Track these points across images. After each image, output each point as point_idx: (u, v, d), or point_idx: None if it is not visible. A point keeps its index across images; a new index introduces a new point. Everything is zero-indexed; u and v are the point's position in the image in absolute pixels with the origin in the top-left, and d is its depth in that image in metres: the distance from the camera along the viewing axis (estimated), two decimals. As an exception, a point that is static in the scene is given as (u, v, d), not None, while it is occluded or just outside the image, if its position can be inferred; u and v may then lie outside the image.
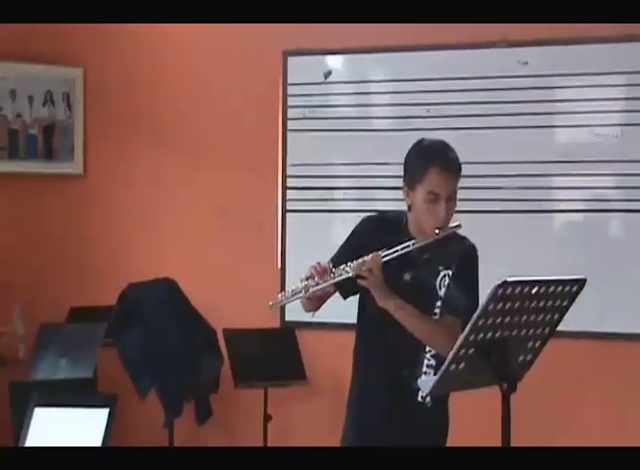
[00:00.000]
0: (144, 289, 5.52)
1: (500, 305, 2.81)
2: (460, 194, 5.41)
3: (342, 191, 5.60)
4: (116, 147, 6.15)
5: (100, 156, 6.17)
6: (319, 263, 3.34)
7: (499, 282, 2.77)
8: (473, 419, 5.22)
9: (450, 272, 3.41)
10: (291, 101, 5.77)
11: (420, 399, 3.43)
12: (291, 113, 5.77)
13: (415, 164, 3.40)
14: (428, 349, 3.43)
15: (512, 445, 2.89)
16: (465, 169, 5.40)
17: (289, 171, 5.77)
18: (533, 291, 2.87)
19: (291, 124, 5.77)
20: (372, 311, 3.43)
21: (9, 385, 5.28)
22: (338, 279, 3.28)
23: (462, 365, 2.88)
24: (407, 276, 3.40)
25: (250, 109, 5.87)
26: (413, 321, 3.33)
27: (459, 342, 2.83)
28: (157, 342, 5.42)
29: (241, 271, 5.80)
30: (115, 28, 5.90)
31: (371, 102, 5.71)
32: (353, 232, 3.57)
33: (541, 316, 2.97)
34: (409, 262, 3.37)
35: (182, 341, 5.47)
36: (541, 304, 2.93)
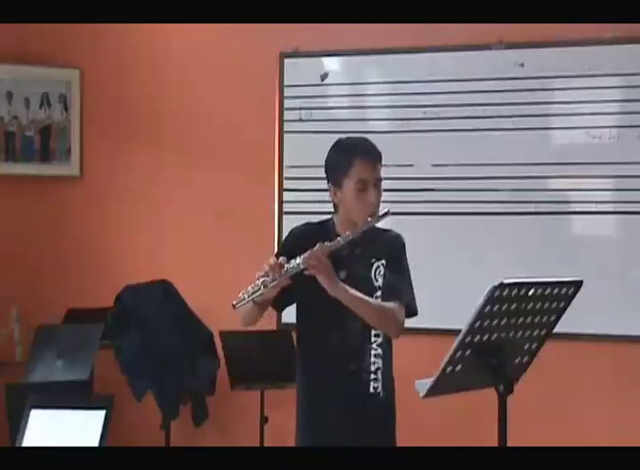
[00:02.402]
0: (140, 291, 5.52)
1: (497, 307, 2.82)
2: (457, 196, 5.47)
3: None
4: (113, 148, 6.14)
5: (97, 157, 6.16)
6: (273, 260, 3.39)
7: (496, 284, 2.77)
8: (469, 421, 5.23)
9: (384, 262, 3.52)
10: (287, 103, 5.77)
11: (372, 389, 3.49)
12: (287, 114, 5.77)
13: (338, 160, 3.54)
14: (373, 339, 3.50)
15: (508, 446, 2.89)
16: (462, 171, 5.47)
17: (285, 173, 5.77)
18: (530, 293, 2.87)
19: (287, 126, 5.78)
20: (312, 312, 3.53)
21: (5, 387, 5.27)
22: (291, 272, 3.33)
23: (459, 367, 2.88)
24: (343, 274, 3.45)
25: (246, 110, 5.87)
26: (364, 306, 3.40)
27: (455, 344, 2.84)
28: (153, 343, 5.42)
29: (237, 273, 5.76)
30: (112, 29, 5.90)
31: (368, 104, 5.71)
32: (284, 243, 3.67)
33: (538, 318, 2.97)
34: (342, 261, 3.45)
35: (178, 343, 5.47)
36: (538, 305, 2.93)
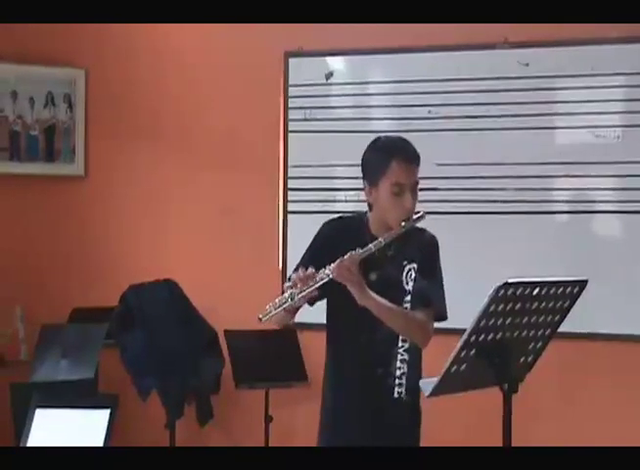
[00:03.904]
0: (145, 290, 5.52)
1: (501, 307, 2.82)
2: (461, 195, 5.47)
3: (343, 192, 5.60)
4: (118, 148, 6.15)
5: (101, 157, 6.17)
6: (301, 270, 3.36)
7: (500, 283, 2.77)
8: (474, 420, 5.23)
9: (415, 266, 3.48)
10: (292, 102, 5.77)
11: (396, 394, 3.49)
12: (292, 114, 5.77)
13: (376, 160, 3.48)
14: (400, 344, 3.48)
15: (513, 445, 2.89)
16: (466, 171, 5.47)
17: (290, 173, 5.77)
18: (535, 292, 2.87)
19: (292, 126, 5.77)
20: (342, 313, 3.50)
21: (10, 386, 5.28)
22: (320, 283, 3.32)
23: (463, 367, 2.88)
24: (373, 276, 3.44)
25: (250, 110, 5.87)
26: (392, 316, 3.39)
27: (460, 343, 2.84)
28: (158, 343, 5.42)
29: (242, 272, 5.81)
30: (117, 29, 5.90)
31: (372, 103, 5.71)
32: (316, 237, 3.63)
33: (542, 317, 2.97)
34: (374, 261, 3.41)
35: (183, 342, 5.47)
36: (542, 305, 2.93)
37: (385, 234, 3.39)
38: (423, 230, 3.55)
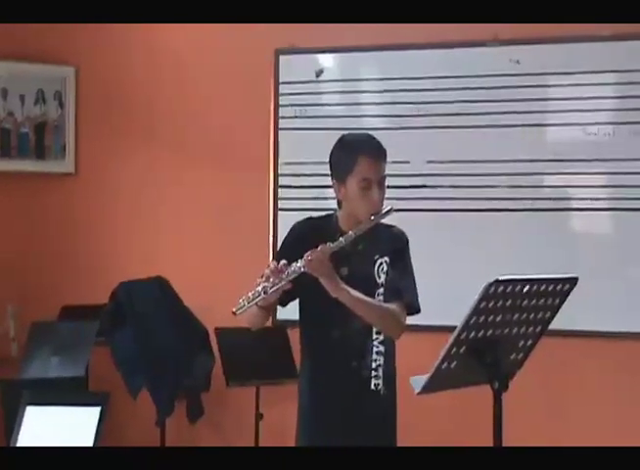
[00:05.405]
0: (136, 288, 5.51)
1: (492, 304, 2.82)
2: (452, 193, 5.47)
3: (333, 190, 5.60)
4: (108, 146, 6.14)
5: (92, 154, 6.16)
6: (274, 264, 3.37)
7: (491, 280, 2.77)
8: (464, 418, 5.23)
9: (387, 259, 3.51)
10: (282, 99, 5.77)
11: (372, 386, 3.50)
12: (282, 111, 5.77)
13: (343, 156, 3.51)
14: (375, 336, 3.50)
15: (503, 444, 2.89)
16: (457, 168, 5.48)
17: (281, 170, 5.77)
18: (525, 289, 2.88)
19: (282, 123, 5.77)
20: (315, 309, 3.53)
21: (0, 383, 5.27)
22: (292, 276, 3.33)
23: (454, 364, 2.88)
24: (345, 270, 3.46)
25: (241, 107, 5.87)
26: (366, 307, 3.41)
27: (451, 340, 2.84)
28: (148, 340, 5.42)
29: (233, 270, 5.79)
30: (108, 28, 5.88)
31: (362, 100, 5.71)
32: (286, 238, 3.66)
33: (533, 315, 2.97)
34: (344, 257, 3.44)
35: (174, 340, 5.47)
36: (533, 302, 2.94)
37: (355, 228, 3.42)
38: (392, 226, 3.59)
